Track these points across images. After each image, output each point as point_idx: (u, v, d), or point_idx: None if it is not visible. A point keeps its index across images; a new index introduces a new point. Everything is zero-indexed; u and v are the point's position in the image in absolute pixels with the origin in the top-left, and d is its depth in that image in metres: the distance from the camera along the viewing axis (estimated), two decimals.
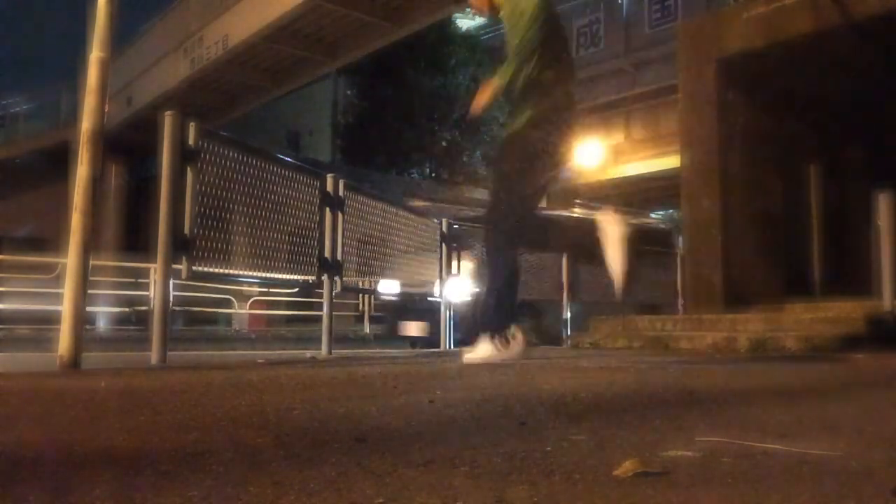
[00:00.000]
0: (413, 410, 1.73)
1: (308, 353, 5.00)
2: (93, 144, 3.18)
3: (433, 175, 24.75)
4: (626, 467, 1.07)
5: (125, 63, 18.40)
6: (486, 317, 3.57)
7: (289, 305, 14.21)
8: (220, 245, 3.65)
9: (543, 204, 3.90)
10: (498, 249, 3.58)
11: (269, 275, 4.33)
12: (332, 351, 4.64)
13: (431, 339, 7.18)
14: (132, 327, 11.36)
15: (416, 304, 7.59)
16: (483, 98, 3.46)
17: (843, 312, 5.62)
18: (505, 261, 3.56)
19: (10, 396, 2.02)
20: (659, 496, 0.93)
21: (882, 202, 5.84)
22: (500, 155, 3.98)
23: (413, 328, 8.03)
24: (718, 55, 7.73)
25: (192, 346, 8.33)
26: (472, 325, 3.54)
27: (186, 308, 12.28)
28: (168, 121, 3.39)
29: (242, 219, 3.97)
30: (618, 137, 24.32)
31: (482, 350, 3.43)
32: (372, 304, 12.33)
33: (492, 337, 3.42)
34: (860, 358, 4.00)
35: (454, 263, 6.48)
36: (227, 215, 3.73)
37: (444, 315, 6.42)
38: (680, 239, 8.41)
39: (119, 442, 1.34)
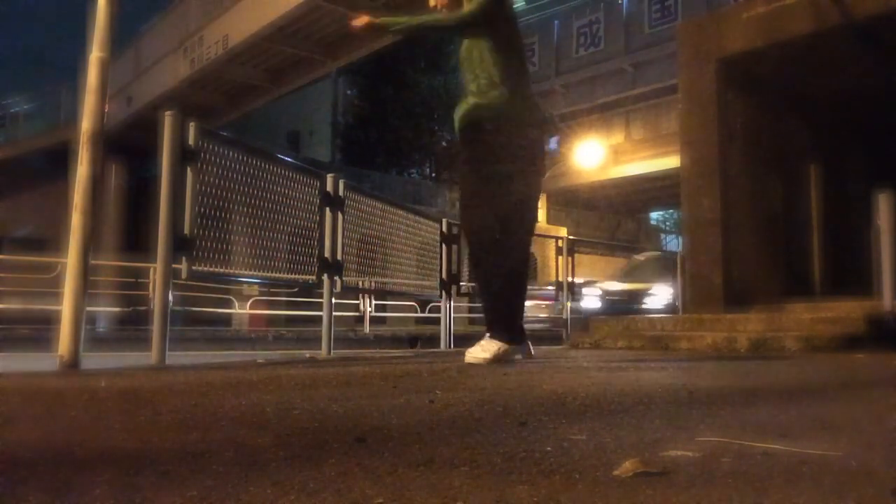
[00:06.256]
0: (413, 410, 1.73)
1: (308, 354, 5.00)
2: (93, 144, 3.18)
3: (433, 175, 24.75)
4: (626, 467, 1.07)
5: (125, 63, 18.43)
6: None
7: (289, 305, 14.21)
8: (220, 245, 3.65)
9: None
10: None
11: (269, 275, 4.33)
12: (332, 351, 4.64)
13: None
14: (132, 327, 11.37)
15: None
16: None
17: (843, 312, 5.61)
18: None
19: (10, 396, 2.02)
20: (659, 496, 0.93)
21: (882, 202, 5.83)
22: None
23: None
24: (718, 55, 7.72)
25: (192, 347, 8.34)
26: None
27: (186, 308, 12.29)
28: (168, 121, 3.39)
29: (242, 219, 3.98)
30: (618, 137, 24.31)
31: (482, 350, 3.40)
32: (372, 304, 12.31)
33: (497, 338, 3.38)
34: (860, 358, 4.00)
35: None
36: (228, 215, 3.73)
37: (444, 315, 6.42)
38: None
39: (119, 442, 1.34)
